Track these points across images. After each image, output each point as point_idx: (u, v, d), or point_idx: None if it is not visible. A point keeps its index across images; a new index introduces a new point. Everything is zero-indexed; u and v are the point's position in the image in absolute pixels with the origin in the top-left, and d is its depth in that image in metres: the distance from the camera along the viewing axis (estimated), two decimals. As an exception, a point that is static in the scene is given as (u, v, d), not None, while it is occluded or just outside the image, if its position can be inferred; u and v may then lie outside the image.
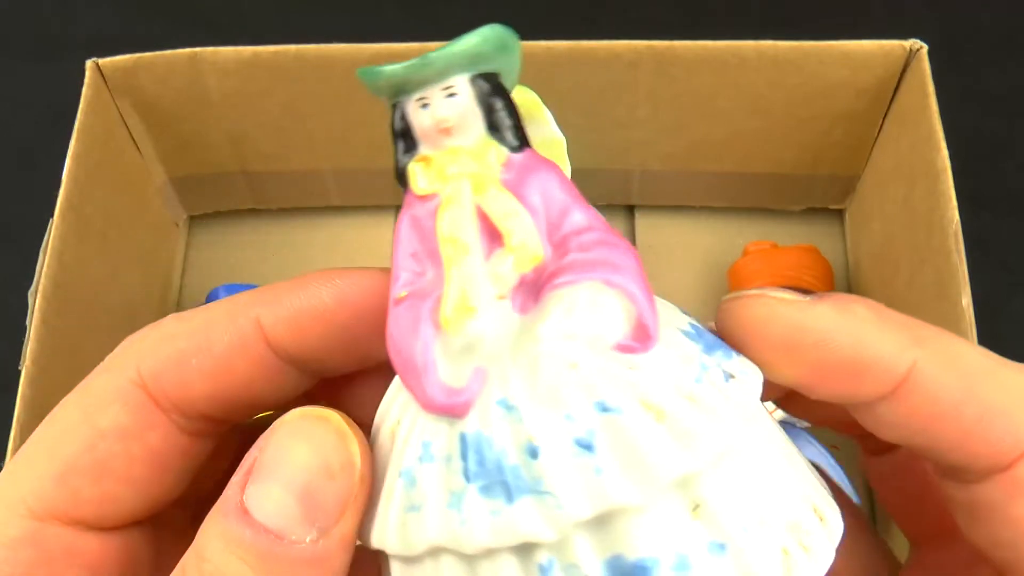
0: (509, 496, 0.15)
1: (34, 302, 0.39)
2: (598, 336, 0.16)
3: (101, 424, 0.19)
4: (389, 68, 0.17)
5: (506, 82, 0.18)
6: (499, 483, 0.15)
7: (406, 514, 0.16)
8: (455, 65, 0.17)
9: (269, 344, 0.19)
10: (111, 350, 0.20)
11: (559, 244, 0.17)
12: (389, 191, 0.51)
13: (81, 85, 0.43)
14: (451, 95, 0.17)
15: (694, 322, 0.18)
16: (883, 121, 0.46)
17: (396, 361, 0.17)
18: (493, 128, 0.17)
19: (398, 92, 0.17)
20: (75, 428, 0.19)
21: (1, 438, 0.37)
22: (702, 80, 0.44)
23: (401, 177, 0.18)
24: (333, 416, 0.17)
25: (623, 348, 0.16)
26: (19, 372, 0.38)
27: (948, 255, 0.39)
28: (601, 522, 0.15)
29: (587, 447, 0.15)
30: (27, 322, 0.38)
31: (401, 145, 0.18)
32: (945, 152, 0.40)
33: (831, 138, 0.47)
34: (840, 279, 0.50)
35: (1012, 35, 0.56)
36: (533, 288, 0.16)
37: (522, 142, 0.17)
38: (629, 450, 0.15)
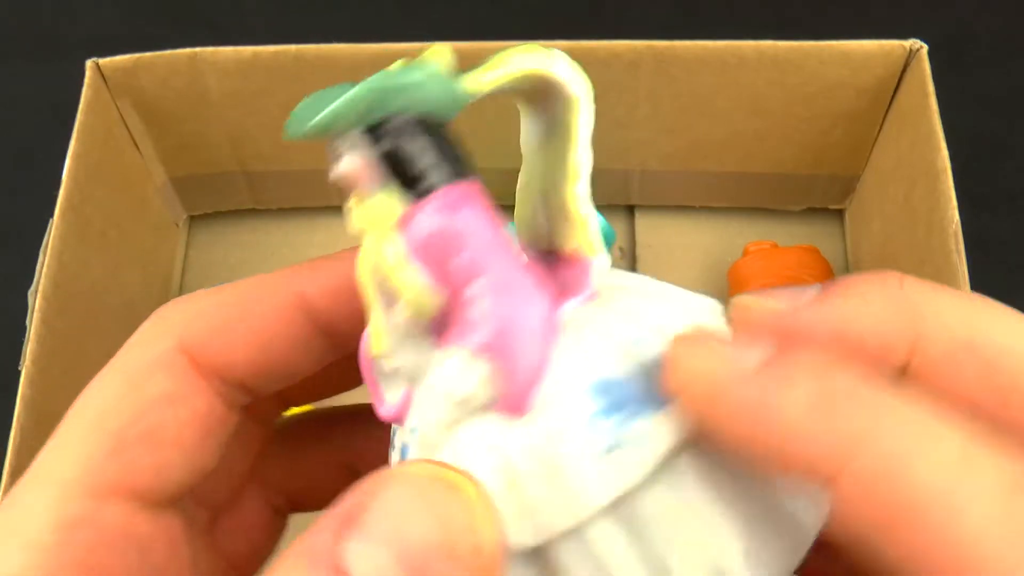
0: (403, 452, 0.18)
1: (34, 302, 0.39)
2: (466, 401, 0.17)
3: (149, 392, 0.19)
4: (290, 124, 0.18)
5: (425, 106, 0.17)
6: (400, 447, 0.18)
7: None
8: (337, 125, 0.17)
9: (309, 314, 0.20)
10: (111, 350, 0.20)
11: (452, 294, 0.17)
12: (389, 191, 0.51)
13: (81, 85, 0.43)
14: (352, 146, 0.17)
15: (618, 375, 0.17)
16: (883, 121, 0.46)
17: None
18: (394, 179, 0.17)
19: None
20: (122, 399, 0.18)
21: (1, 438, 0.37)
22: (702, 80, 0.44)
23: None
24: (466, 485, 0.15)
25: (499, 409, 0.16)
26: (19, 372, 0.38)
27: (948, 255, 0.39)
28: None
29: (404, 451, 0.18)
30: (27, 322, 0.38)
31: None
32: (945, 152, 0.40)
33: (831, 138, 0.47)
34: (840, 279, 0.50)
35: (1012, 35, 0.56)
36: (446, 319, 0.18)
37: (427, 187, 0.17)
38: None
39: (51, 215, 0.40)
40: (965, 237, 0.39)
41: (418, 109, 0.17)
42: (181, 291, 0.52)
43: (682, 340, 0.16)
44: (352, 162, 0.17)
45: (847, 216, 0.52)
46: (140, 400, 0.18)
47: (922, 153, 0.41)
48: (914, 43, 0.43)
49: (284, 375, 0.20)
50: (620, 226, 0.52)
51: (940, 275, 0.39)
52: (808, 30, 0.45)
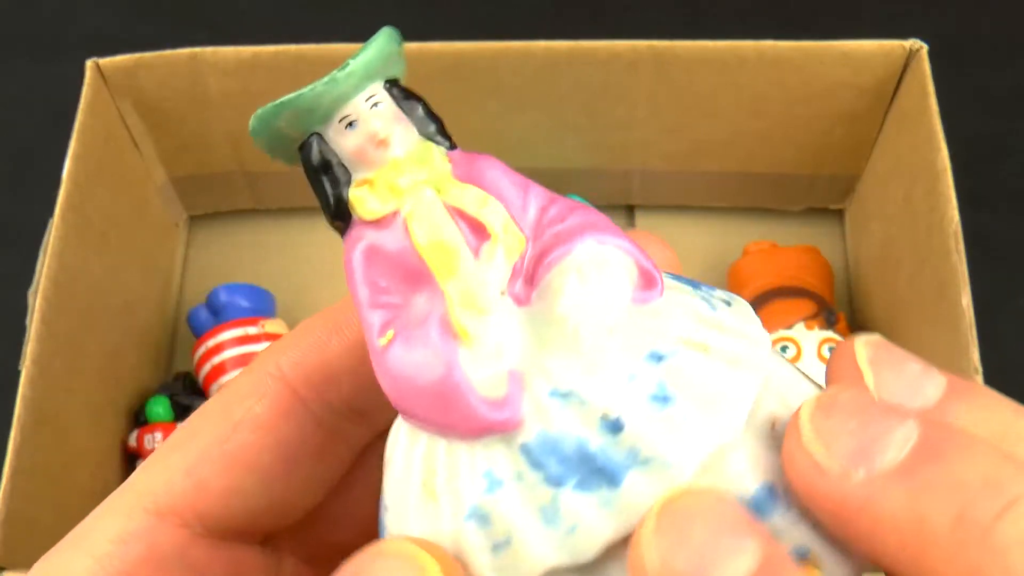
0: (613, 479, 0.14)
1: (34, 302, 0.39)
2: (615, 293, 0.15)
3: (235, 416, 0.19)
4: (297, 95, 0.16)
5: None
6: (594, 472, 0.14)
7: (495, 556, 0.15)
8: (373, 72, 0.16)
9: None
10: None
11: (532, 225, 0.16)
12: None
13: (81, 85, 0.43)
14: (375, 104, 0.16)
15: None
16: (883, 121, 0.46)
17: (417, 402, 0.15)
18: (422, 130, 0.16)
19: (307, 123, 0.16)
20: (211, 423, 0.19)
21: (1, 438, 0.37)
22: (702, 80, 0.44)
23: (341, 212, 0.16)
24: (431, 565, 0.15)
25: (638, 300, 0.15)
26: (19, 372, 0.38)
27: (948, 255, 0.39)
28: (707, 470, 0.14)
29: (664, 399, 0.14)
30: (27, 322, 0.38)
31: (326, 180, 0.16)
32: (945, 152, 0.40)
33: (831, 138, 0.47)
34: (840, 279, 0.50)
35: (1012, 35, 0.56)
36: (522, 276, 0.15)
37: (450, 138, 0.17)
38: (701, 390, 0.14)
39: (51, 215, 0.40)
40: (965, 237, 0.38)
41: (402, 77, 0.17)
42: (181, 291, 0.52)
43: (820, 407, 0.14)
44: (388, 110, 0.16)
45: (847, 216, 0.52)
46: (225, 424, 0.19)
47: (922, 153, 0.41)
48: (914, 43, 0.43)
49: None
50: (620, 226, 0.52)
51: (940, 275, 0.39)
52: (808, 30, 0.45)
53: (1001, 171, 0.53)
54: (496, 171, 0.16)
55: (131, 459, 0.46)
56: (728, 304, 0.16)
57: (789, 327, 0.45)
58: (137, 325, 0.47)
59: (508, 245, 0.15)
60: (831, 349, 0.44)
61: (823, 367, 0.44)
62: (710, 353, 0.15)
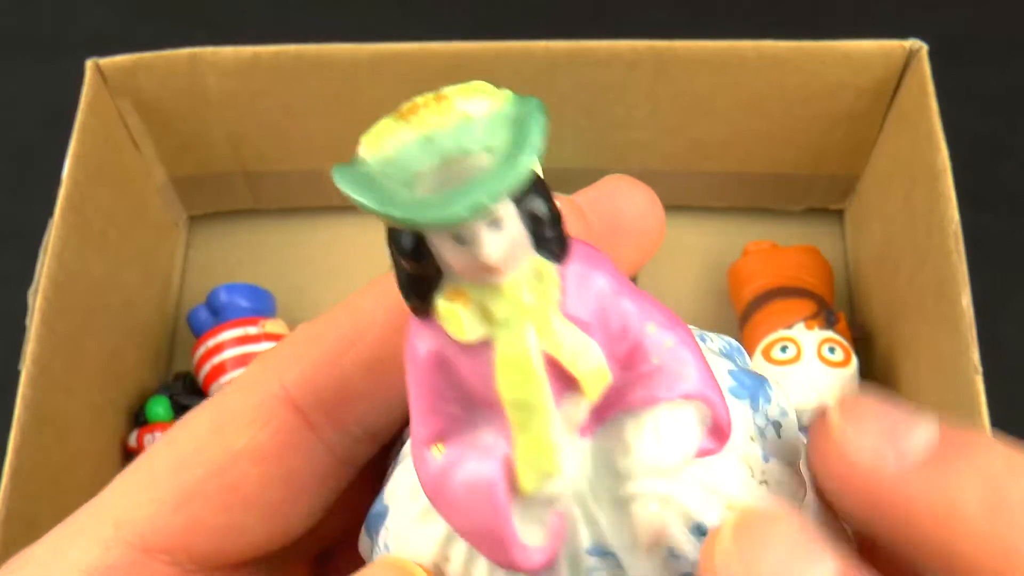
0: None
1: (34, 302, 0.39)
2: (683, 456, 0.14)
3: (235, 446, 0.16)
4: (405, 214, 0.12)
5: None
6: None
7: None
8: (508, 196, 0.12)
9: None
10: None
11: (624, 359, 0.14)
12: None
13: (81, 85, 0.43)
14: (494, 223, 0.13)
15: (726, 347, 0.16)
16: (883, 121, 0.46)
17: (456, 520, 0.14)
18: (540, 243, 0.13)
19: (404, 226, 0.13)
20: (204, 450, 0.16)
21: (1, 438, 0.37)
22: (702, 80, 0.44)
23: (419, 305, 0.14)
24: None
25: (702, 453, 0.14)
26: (19, 372, 0.38)
27: (948, 255, 0.39)
28: None
29: None
30: (27, 322, 0.38)
31: (414, 275, 0.14)
32: (945, 152, 0.40)
33: (831, 138, 0.47)
34: (840, 279, 0.50)
35: (1012, 35, 0.56)
36: (598, 407, 0.14)
37: (567, 243, 0.14)
38: None
39: (51, 215, 0.40)
40: (965, 237, 0.38)
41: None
42: (181, 291, 0.52)
43: (844, 408, 0.15)
44: (511, 232, 0.13)
45: (847, 216, 0.52)
46: (223, 454, 0.16)
47: (922, 153, 0.41)
48: (914, 43, 0.43)
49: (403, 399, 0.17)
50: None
51: (940, 275, 0.39)
52: (808, 30, 0.45)
53: (1001, 171, 0.53)
54: (603, 289, 0.14)
55: (131, 459, 0.46)
56: (779, 427, 0.16)
57: (789, 327, 0.45)
58: (137, 325, 0.47)
59: (591, 390, 0.14)
60: (831, 349, 0.44)
61: (823, 367, 0.44)
62: None
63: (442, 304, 0.13)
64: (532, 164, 0.12)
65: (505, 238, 0.13)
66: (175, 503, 0.16)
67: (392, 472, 0.17)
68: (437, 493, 0.14)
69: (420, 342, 0.14)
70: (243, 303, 0.47)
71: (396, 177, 0.13)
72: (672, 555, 0.14)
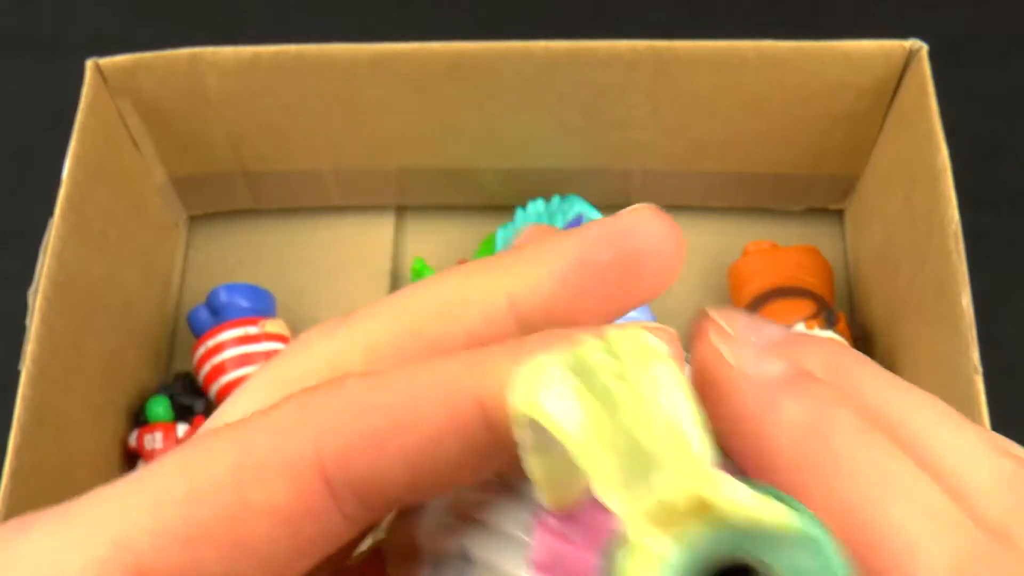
0: None
1: (34, 302, 0.39)
2: None
3: (253, 499, 0.15)
4: None
5: None
6: None
7: None
8: None
9: (488, 419, 0.15)
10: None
11: None
12: (389, 191, 0.51)
13: (81, 85, 0.43)
14: None
15: None
16: (883, 121, 0.46)
17: None
18: None
19: None
20: (220, 491, 0.16)
21: (1, 438, 0.37)
22: (702, 80, 0.44)
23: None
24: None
25: None
26: (19, 372, 0.38)
27: (948, 255, 0.39)
28: None
29: None
30: (27, 322, 0.38)
31: None
32: (945, 152, 0.40)
33: (831, 138, 0.47)
34: (840, 279, 0.50)
35: (1012, 35, 0.56)
36: None
37: None
38: None
39: (51, 215, 0.40)
40: (965, 237, 0.38)
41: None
42: (181, 291, 0.52)
43: (724, 317, 0.16)
44: None
45: (847, 216, 0.52)
46: (239, 503, 0.15)
47: (922, 153, 0.41)
48: (914, 43, 0.43)
49: (442, 487, 0.16)
50: (620, 226, 0.52)
51: (940, 275, 0.39)
52: (808, 30, 0.45)
53: (1001, 171, 0.53)
54: None
55: (131, 459, 0.47)
56: None
57: (789, 327, 0.45)
58: (137, 325, 0.47)
59: None
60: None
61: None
62: None
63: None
64: None
65: None
66: (182, 540, 0.15)
67: None
68: None
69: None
70: (243, 303, 0.47)
71: None
72: None
